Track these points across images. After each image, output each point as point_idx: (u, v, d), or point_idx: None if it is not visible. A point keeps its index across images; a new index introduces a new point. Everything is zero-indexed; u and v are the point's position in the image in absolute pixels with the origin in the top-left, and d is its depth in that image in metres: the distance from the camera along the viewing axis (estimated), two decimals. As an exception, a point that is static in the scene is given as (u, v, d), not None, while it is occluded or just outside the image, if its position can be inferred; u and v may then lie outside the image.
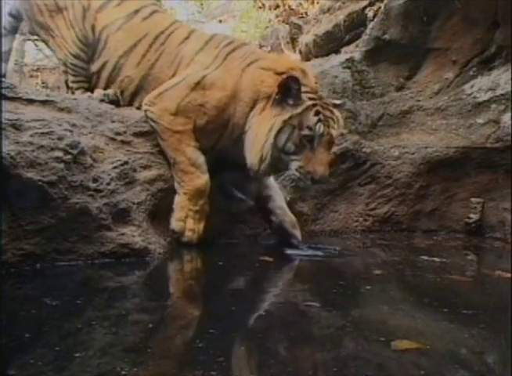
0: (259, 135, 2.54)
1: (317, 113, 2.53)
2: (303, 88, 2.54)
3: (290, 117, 2.50)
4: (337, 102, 2.81)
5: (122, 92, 2.89)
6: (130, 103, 2.90)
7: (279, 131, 2.50)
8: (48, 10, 3.01)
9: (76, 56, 3.00)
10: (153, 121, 2.66)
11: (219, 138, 2.71)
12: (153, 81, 2.82)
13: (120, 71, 2.91)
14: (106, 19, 2.96)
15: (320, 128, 2.51)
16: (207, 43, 2.83)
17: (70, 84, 3.07)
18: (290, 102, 2.52)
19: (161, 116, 2.64)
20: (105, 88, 2.94)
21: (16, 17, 3.29)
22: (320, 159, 2.50)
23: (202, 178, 2.63)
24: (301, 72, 2.64)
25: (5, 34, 3.31)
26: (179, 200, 2.61)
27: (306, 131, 2.50)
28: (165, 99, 2.66)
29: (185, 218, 2.60)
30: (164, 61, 2.83)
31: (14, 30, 3.39)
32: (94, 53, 2.98)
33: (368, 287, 2.06)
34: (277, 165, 2.57)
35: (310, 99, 2.55)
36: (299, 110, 2.51)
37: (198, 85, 2.64)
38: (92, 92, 2.94)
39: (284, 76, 2.56)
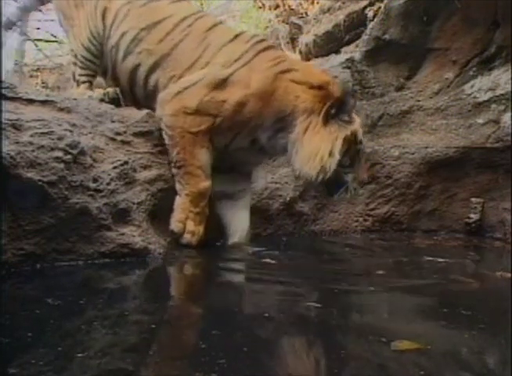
0: (320, 150, 2.59)
1: (361, 126, 2.77)
2: None
3: (352, 133, 2.65)
4: None
5: (139, 65, 2.86)
6: (146, 80, 2.85)
7: (344, 145, 2.62)
8: (75, 3, 3.06)
9: (87, 49, 3.03)
10: (168, 118, 2.61)
11: (235, 137, 2.68)
12: (172, 61, 2.78)
13: (140, 43, 2.87)
14: None
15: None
16: (237, 36, 2.81)
17: (77, 77, 3.09)
18: (345, 118, 2.64)
19: (178, 114, 2.59)
20: (123, 59, 2.91)
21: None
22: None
23: (206, 182, 2.62)
24: (334, 85, 2.71)
25: (23, 9, 3.41)
26: (181, 202, 2.60)
27: (360, 145, 2.71)
28: (185, 97, 2.61)
29: (185, 220, 2.59)
30: (188, 43, 2.79)
31: (31, 8, 3.51)
32: (110, 31, 2.96)
33: (371, 288, 2.05)
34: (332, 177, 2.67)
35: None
36: (356, 126, 2.69)
37: (223, 83, 2.62)
38: (112, 80, 3.00)
39: (339, 92, 2.66)
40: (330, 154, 2.58)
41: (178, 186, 2.61)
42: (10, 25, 3.43)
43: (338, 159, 2.59)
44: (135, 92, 2.93)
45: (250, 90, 2.61)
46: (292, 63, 2.87)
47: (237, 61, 2.68)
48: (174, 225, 2.58)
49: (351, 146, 2.65)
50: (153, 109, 2.74)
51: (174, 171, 2.62)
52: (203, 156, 2.62)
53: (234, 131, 2.67)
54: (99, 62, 3.07)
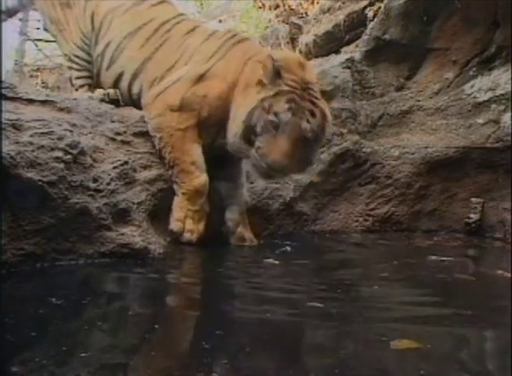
0: (239, 112, 2.53)
1: (290, 101, 2.42)
2: (290, 76, 2.46)
3: (263, 99, 2.44)
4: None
5: (122, 73, 2.92)
6: (129, 86, 2.91)
7: (254, 109, 2.45)
8: (60, 4, 3.10)
9: (81, 48, 3.07)
10: (154, 120, 2.64)
11: (219, 132, 2.68)
12: (153, 65, 2.84)
13: (124, 51, 2.94)
14: (111, 4, 3.02)
15: (287, 116, 2.40)
16: (211, 35, 2.87)
17: (74, 81, 3.10)
18: (266, 81, 2.46)
19: (163, 114, 2.62)
20: (107, 68, 2.98)
21: (22, 4, 3.50)
22: (278, 146, 2.38)
23: (201, 178, 2.63)
24: (297, 63, 2.58)
25: (4, 12, 3.51)
26: (178, 201, 2.61)
27: (271, 117, 2.41)
28: (167, 96, 2.65)
29: (184, 219, 2.60)
30: (167, 47, 2.86)
31: (13, 12, 3.61)
32: (97, 37, 3.03)
33: (375, 287, 2.04)
34: (247, 143, 2.50)
35: (290, 86, 2.45)
36: (271, 92, 2.44)
37: (202, 77, 2.65)
38: (96, 88, 3.00)
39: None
40: (240, 117, 2.50)
41: (175, 186, 2.62)
42: (11, 13, 3.57)
43: (242, 120, 2.46)
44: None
45: (227, 83, 2.62)
46: (260, 48, 2.90)
47: (213, 56, 2.71)
48: (174, 224, 2.59)
49: (263, 113, 2.43)
50: None
51: (169, 172, 2.63)
52: (195, 151, 2.63)
53: (217, 126, 2.67)
54: (91, 59, 3.09)
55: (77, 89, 3.09)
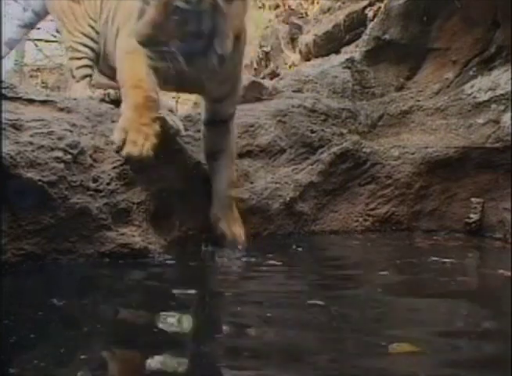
0: None
1: None
2: None
3: None
4: None
5: (118, 30, 2.91)
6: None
7: None
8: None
9: (86, 35, 3.08)
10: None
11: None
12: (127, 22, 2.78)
13: (116, 17, 2.94)
14: None
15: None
16: None
17: (75, 72, 3.09)
18: None
19: (121, 42, 2.62)
20: (111, 29, 2.99)
21: (38, 15, 3.48)
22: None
23: (147, 92, 2.38)
24: None
25: (23, 26, 3.53)
26: (124, 114, 2.40)
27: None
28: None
29: (127, 129, 2.33)
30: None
31: (31, 26, 3.60)
32: (101, 10, 3.07)
33: (379, 290, 2.04)
34: None
35: None
36: None
37: None
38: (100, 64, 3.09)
39: None
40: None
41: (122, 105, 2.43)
42: (29, 27, 3.69)
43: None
44: None
45: None
46: None
47: None
48: (115, 133, 2.34)
49: None
50: None
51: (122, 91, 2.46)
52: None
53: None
54: (96, 47, 3.09)
55: (78, 81, 3.07)
